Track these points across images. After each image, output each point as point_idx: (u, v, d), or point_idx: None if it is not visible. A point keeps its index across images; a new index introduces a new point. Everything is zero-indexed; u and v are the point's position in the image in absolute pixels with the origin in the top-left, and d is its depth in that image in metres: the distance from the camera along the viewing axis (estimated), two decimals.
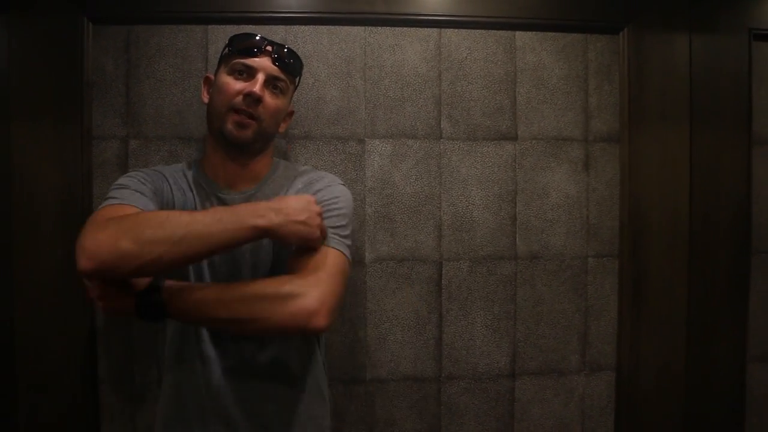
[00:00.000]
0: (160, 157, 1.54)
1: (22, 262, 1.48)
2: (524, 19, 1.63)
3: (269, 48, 1.15)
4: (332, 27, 1.59)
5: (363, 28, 1.60)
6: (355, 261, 1.59)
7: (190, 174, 1.21)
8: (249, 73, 1.14)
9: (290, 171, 1.24)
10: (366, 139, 1.60)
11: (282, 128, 1.23)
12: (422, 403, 1.62)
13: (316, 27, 1.58)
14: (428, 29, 1.61)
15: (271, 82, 1.16)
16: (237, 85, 1.12)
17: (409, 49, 1.61)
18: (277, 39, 1.58)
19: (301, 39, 1.58)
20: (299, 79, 1.27)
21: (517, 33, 1.65)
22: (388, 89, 1.61)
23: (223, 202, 1.15)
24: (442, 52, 1.62)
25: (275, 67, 1.16)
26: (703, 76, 1.68)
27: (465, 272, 1.63)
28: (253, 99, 1.11)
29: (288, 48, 1.19)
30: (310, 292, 0.93)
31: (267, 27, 1.57)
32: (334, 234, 1.10)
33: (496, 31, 1.64)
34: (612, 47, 1.69)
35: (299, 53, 1.57)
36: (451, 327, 1.63)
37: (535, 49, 1.66)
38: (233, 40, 1.17)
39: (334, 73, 1.59)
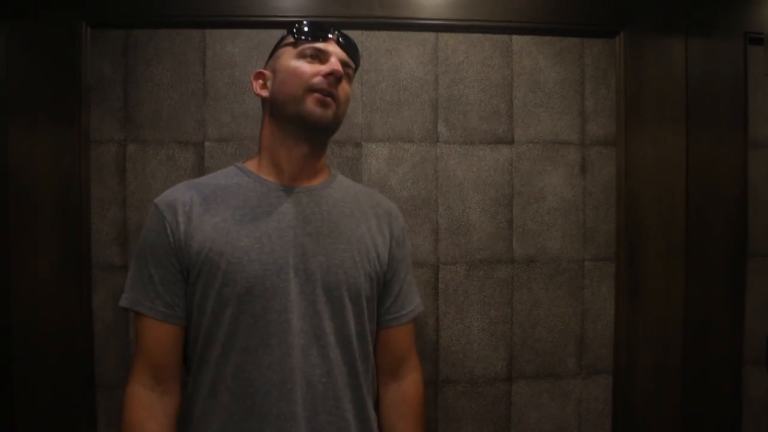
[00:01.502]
0: (157, 161, 1.55)
1: (19, 266, 1.49)
2: (520, 23, 1.64)
3: (335, 34, 1.11)
4: None
5: (360, 31, 1.60)
6: None
7: (243, 181, 1.10)
8: (321, 58, 1.08)
9: (346, 182, 1.19)
10: (363, 142, 1.60)
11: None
12: None
13: None
14: (425, 33, 1.62)
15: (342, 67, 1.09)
16: (313, 66, 1.06)
17: (406, 52, 1.62)
18: (274, 44, 1.58)
19: None
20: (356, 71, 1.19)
21: (514, 37, 1.66)
22: (384, 93, 1.61)
23: (286, 194, 1.07)
24: (438, 56, 1.63)
25: (344, 53, 1.11)
26: (700, 80, 1.69)
27: (462, 276, 1.63)
28: (336, 77, 1.04)
29: (348, 35, 1.15)
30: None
31: (264, 31, 1.58)
32: (416, 300, 1.23)
33: (492, 35, 1.65)
34: (608, 51, 1.69)
35: None
36: (447, 330, 1.63)
37: (532, 53, 1.66)
38: (298, 27, 1.11)
39: None
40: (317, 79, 1.04)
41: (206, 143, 1.57)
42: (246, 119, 1.58)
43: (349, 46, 1.13)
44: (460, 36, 1.64)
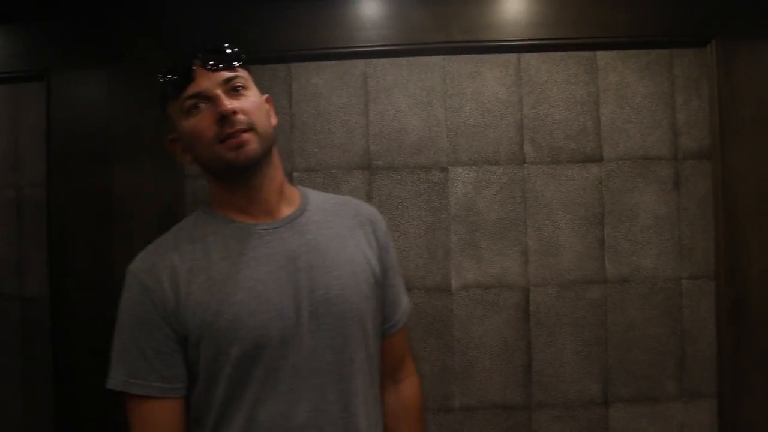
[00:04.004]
0: None
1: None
2: (605, 38, 1.60)
3: (197, 61, 0.97)
4: (411, 58, 1.61)
5: (442, 57, 1.61)
6: (441, 289, 1.60)
7: (218, 228, 1.01)
8: (202, 99, 0.95)
9: (320, 198, 1.11)
10: (449, 167, 1.61)
11: (274, 120, 1.04)
12: (512, 431, 1.60)
13: (396, 59, 1.61)
14: (507, 55, 1.61)
15: (228, 89, 0.96)
16: (203, 120, 0.94)
17: (488, 75, 1.61)
18: (357, 74, 1.62)
19: (381, 71, 1.61)
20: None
21: (598, 53, 1.62)
22: (468, 116, 1.61)
23: (267, 232, 1.00)
24: (522, 77, 1.61)
25: (219, 73, 0.96)
26: None
27: (553, 298, 1.60)
28: (228, 116, 0.92)
29: (214, 45, 0.99)
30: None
31: (348, 62, 1.61)
32: (405, 301, 1.17)
33: (576, 52, 1.62)
34: (699, 60, 1.63)
35: (380, 86, 1.60)
36: (539, 354, 1.61)
37: (618, 68, 1.62)
38: (161, 87, 1.00)
39: (415, 103, 1.61)
40: (215, 131, 0.93)
41: (294, 174, 1.61)
42: (333, 149, 1.61)
43: (220, 59, 0.97)
44: (543, 55, 1.62)
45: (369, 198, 1.61)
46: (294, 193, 1.07)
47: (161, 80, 0.98)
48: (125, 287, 0.98)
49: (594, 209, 1.61)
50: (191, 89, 0.95)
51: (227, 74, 0.97)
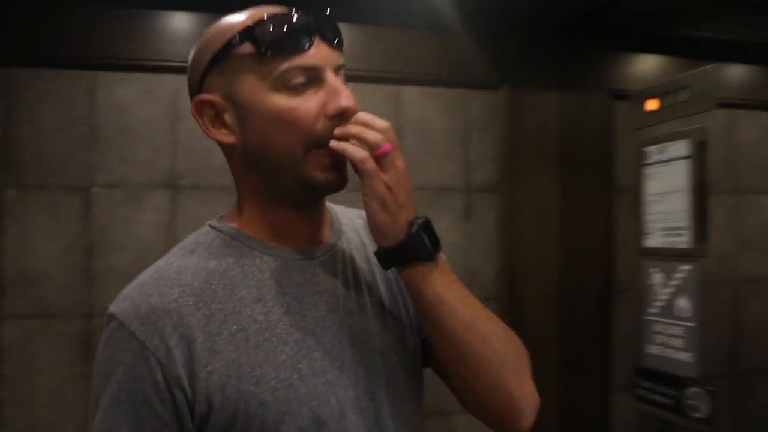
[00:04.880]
0: (40, 206, 1.50)
1: None
2: (409, 75, 1.73)
3: (320, 27, 0.68)
4: None
5: None
6: None
7: (243, 255, 0.70)
8: (311, 78, 0.66)
9: (339, 213, 0.82)
10: None
11: None
12: None
13: None
14: None
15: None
16: (308, 103, 0.65)
17: None
18: (167, 89, 1.59)
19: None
20: None
21: (403, 87, 1.74)
22: None
23: (309, 264, 0.73)
24: None
25: (335, 54, 0.69)
26: (571, 131, 1.85)
27: None
28: (348, 115, 0.67)
29: (331, 13, 0.70)
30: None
31: (157, 76, 1.58)
32: None
33: (383, 85, 1.72)
34: (492, 102, 1.81)
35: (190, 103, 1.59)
36: None
37: (420, 104, 1.76)
38: (264, 31, 0.65)
39: None
40: (322, 127, 0.66)
41: (93, 189, 1.54)
42: (137, 165, 1.56)
43: (337, 36, 0.70)
44: (351, 85, 1.67)
45: (172, 218, 1.58)
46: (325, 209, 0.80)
47: (268, 22, 0.66)
48: (106, 338, 0.66)
49: None
50: (305, 59, 0.65)
51: (340, 60, 0.70)
